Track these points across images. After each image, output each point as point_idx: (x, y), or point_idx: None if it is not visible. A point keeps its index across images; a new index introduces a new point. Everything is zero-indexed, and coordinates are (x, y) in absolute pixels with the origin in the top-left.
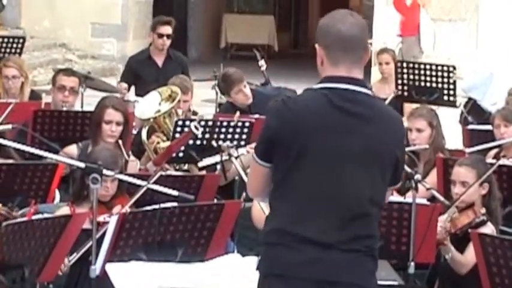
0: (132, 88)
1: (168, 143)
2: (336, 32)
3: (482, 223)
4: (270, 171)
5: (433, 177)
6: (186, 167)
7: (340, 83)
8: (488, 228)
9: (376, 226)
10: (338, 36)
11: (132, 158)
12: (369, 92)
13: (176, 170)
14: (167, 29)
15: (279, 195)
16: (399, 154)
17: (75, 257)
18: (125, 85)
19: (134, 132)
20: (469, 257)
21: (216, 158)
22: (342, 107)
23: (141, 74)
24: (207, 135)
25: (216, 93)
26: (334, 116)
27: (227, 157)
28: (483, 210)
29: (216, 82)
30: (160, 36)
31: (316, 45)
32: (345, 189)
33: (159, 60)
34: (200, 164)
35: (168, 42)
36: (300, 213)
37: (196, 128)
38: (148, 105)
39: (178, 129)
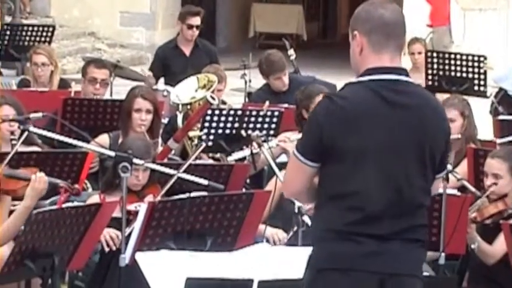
0: (161, 77)
1: (197, 132)
2: (379, 16)
3: None
4: (314, 170)
5: (464, 167)
6: (218, 155)
7: (385, 73)
8: None
9: (426, 215)
10: (381, 20)
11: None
12: (412, 80)
13: (210, 158)
14: (197, 20)
15: (332, 193)
16: (446, 141)
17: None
18: (149, 73)
19: (164, 121)
20: (499, 247)
21: (246, 152)
22: (390, 99)
23: (169, 63)
24: (236, 125)
25: (245, 82)
26: (384, 110)
27: (257, 150)
28: None
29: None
30: (190, 27)
31: (356, 33)
32: (401, 182)
33: (187, 50)
34: (230, 158)
35: (197, 33)
36: (356, 210)
37: (212, 98)
38: (185, 91)
39: (208, 118)
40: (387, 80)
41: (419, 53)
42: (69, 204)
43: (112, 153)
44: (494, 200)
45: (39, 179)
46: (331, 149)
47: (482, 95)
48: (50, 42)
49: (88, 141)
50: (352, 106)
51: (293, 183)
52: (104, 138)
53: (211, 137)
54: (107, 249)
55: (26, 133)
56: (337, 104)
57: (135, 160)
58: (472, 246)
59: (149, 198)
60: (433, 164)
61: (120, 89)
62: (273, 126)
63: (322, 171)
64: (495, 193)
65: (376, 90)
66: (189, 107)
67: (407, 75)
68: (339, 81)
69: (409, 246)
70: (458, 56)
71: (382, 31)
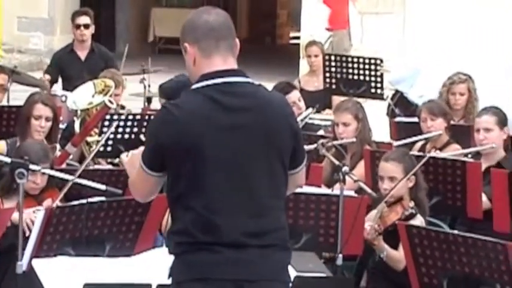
0: (60, 82)
1: (96, 137)
2: (204, 23)
3: (411, 216)
4: (158, 179)
5: (360, 169)
6: (117, 160)
7: (218, 77)
8: (418, 221)
9: (284, 217)
10: (207, 26)
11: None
12: (248, 80)
13: (108, 163)
14: (84, 19)
15: (183, 204)
16: (292, 137)
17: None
18: (47, 76)
19: (62, 126)
20: (403, 251)
21: None
22: (226, 104)
23: (64, 68)
24: (135, 129)
25: (144, 86)
26: (219, 115)
27: None
28: (411, 204)
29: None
30: (78, 26)
31: (186, 45)
32: (247, 187)
33: (82, 54)
34: None
35: (86, 32)
36: (208, 219)
37: (110, 102)
38: (82, 96)
39: (106, 123)
40: (222, 84)
41: (316, 55)
42: None
43: (8, 160)
44: (392, 203)
45: None
46: (170, 159)
47: (379, 97)
48: None
49: None
50: (185, 115)
51: (141, 191)
52: (1, 145)
53: (110, 142)
54: (27, 232)
55: None
56: (171, 114)
57: (32, 166)
58: (381, 255)
59: (48, 202)
60: (282, 162)
61: (17, 95)
62: None
63: (168, 182)
64: (392, 196)
65: (211, 96)
66: (87, 112)
67: (244, 75)
68: None
69: (267, 250)
70: (355, 59)
71: (209, 36)
